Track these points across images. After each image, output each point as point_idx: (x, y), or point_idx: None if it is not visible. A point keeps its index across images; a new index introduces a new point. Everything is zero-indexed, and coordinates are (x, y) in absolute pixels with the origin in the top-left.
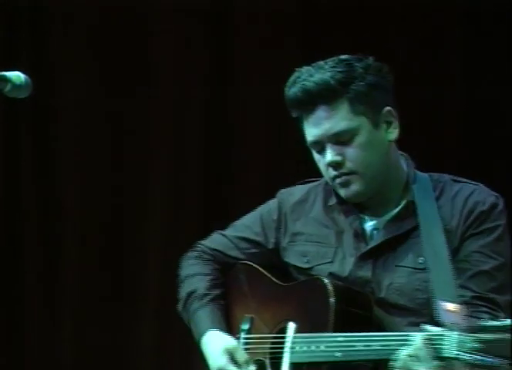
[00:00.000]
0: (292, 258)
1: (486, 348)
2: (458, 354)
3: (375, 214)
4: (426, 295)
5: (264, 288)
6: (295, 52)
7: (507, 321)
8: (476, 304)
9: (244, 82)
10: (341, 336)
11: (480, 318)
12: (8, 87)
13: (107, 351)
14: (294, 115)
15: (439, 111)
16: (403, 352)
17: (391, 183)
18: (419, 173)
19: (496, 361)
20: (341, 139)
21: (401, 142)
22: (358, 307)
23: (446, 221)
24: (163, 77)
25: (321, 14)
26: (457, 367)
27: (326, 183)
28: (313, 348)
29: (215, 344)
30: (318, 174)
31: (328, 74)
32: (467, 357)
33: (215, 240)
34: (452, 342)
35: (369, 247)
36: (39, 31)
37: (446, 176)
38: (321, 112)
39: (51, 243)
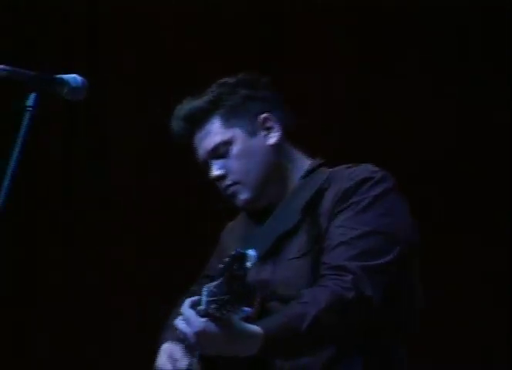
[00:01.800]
0: None
1: (226, 289)
2: (206, 307)
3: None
4: (309, 281)
5: None
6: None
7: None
8: (326, 274)
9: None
10: None
11: (325, 286)
12: (65, 89)
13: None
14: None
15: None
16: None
17: (278, 185)
18: (320, 170)
19: (227, 296)
20: (218, 153)
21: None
22: None
23: (324, 207)
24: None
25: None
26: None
27: None
28: None
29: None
30: None
31: (201, 98)
32: (207, 306)
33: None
34: (204, 296)
35: (265, 249)
36: (95, 34)
37: (344, 165)
38: (198, 135)
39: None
